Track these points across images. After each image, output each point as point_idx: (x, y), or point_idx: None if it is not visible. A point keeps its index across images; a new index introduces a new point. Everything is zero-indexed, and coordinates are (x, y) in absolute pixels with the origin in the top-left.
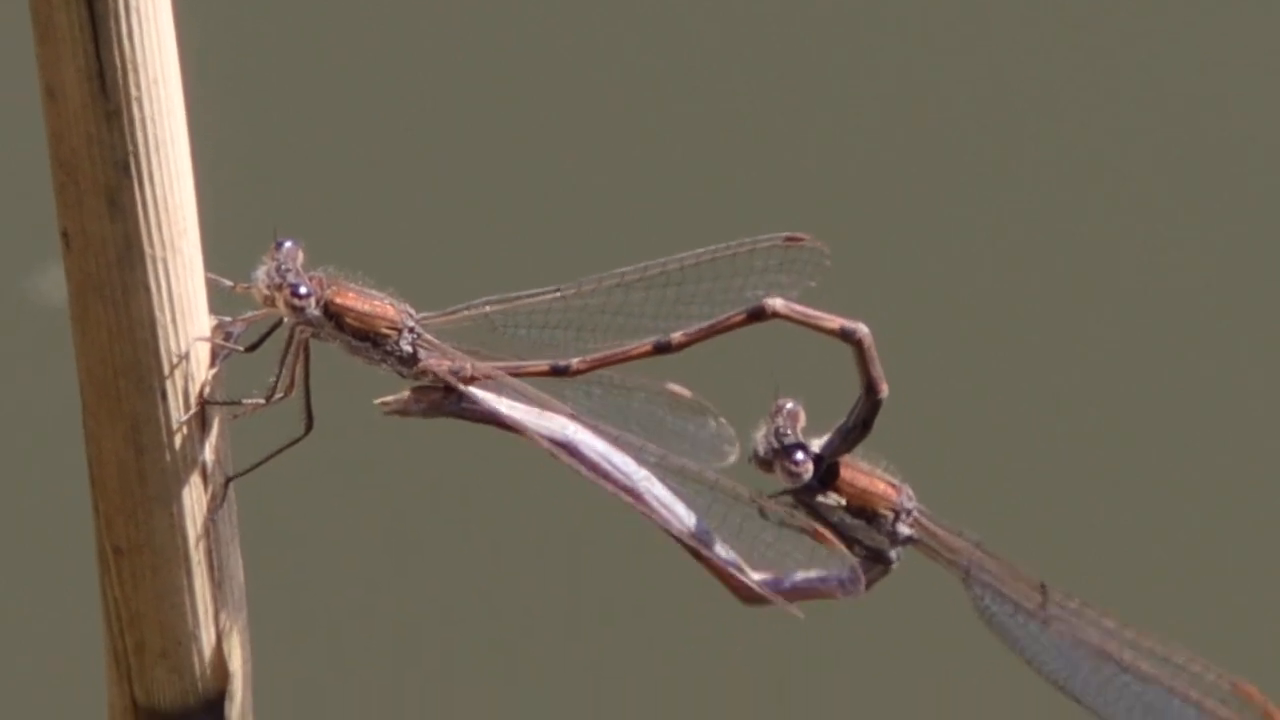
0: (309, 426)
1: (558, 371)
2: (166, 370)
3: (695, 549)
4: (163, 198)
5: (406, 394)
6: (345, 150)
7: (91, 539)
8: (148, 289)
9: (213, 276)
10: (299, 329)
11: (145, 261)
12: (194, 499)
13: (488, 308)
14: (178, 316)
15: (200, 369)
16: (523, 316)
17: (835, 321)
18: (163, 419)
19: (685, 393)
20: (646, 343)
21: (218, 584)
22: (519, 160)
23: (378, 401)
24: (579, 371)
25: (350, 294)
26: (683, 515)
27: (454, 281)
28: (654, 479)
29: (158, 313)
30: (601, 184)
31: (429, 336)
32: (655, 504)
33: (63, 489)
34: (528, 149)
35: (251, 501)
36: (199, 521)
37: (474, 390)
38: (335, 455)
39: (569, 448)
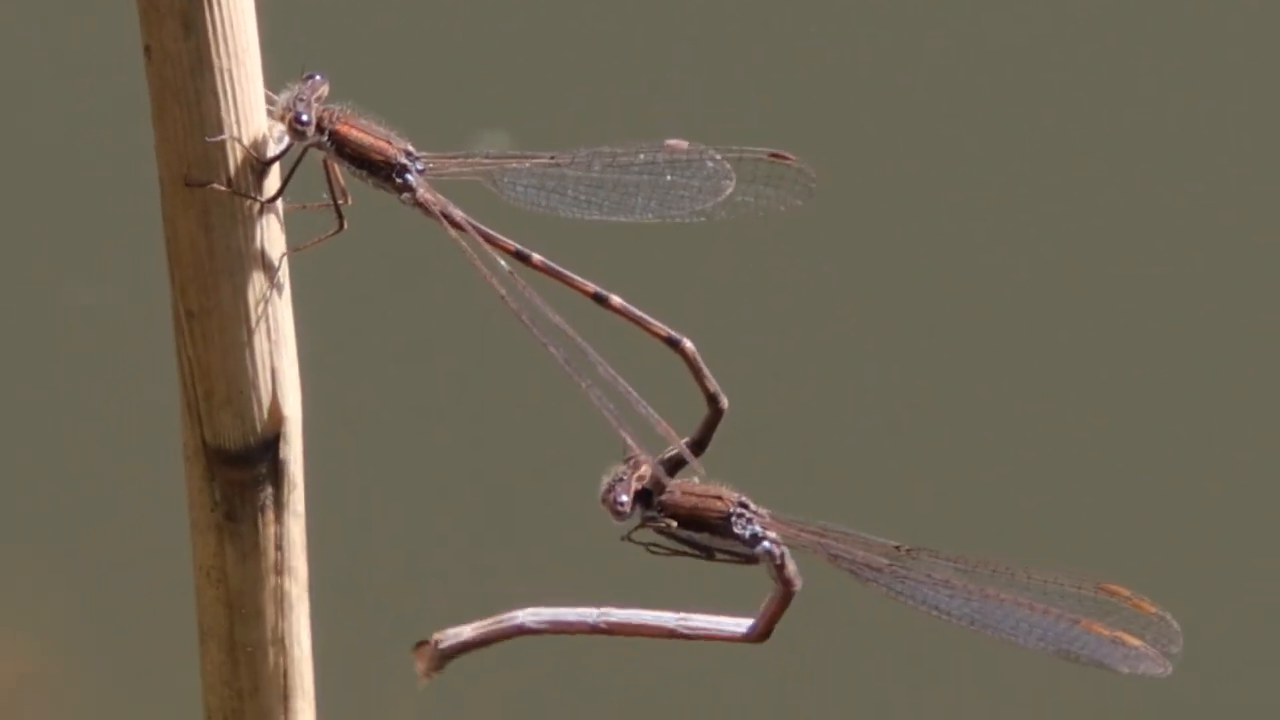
0: (340, 226)
1: (519, 256)
2: (231, 164)
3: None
4: (228, 19)
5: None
6: None
7: (170, 309)
8: (216, 95)
9: (267, 92)
10: (324, 149)
11: (214, 72)
12: (254, 271)
13: (487, 160)
14: (241, 119)
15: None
16: (521, 176)
17: (712, 386)
18: (228, 204)
19: (683, 144)
20: (591, 285)
21: (274, 343)
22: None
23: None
24: (535, 266)
25: (354, 127)
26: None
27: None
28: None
29: (224, 114)
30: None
31: (420, 180)
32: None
33: (146, 276)
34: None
35: (306, 277)
36: (259, 289)
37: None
38: (380, 239)
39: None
